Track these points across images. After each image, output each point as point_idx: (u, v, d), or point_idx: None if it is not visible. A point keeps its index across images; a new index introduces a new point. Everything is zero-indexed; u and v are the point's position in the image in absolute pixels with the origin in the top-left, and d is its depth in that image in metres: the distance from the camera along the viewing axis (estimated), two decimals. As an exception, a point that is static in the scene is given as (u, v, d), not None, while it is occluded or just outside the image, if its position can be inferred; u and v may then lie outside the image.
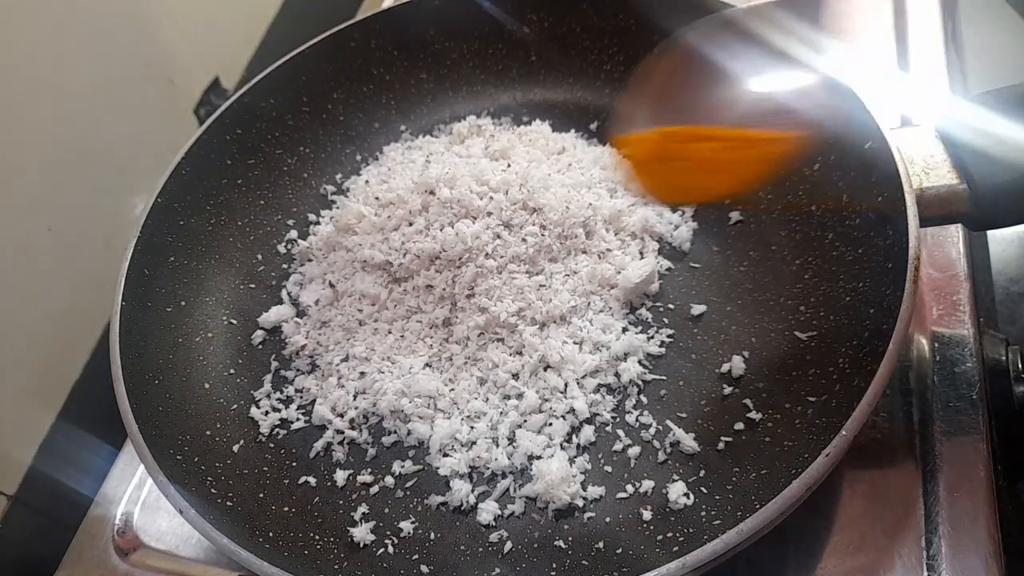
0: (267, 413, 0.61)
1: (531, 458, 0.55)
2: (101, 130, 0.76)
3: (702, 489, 0.51)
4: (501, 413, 0.57)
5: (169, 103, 0.85)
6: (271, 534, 0.52)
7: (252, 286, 0.69)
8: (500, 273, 0.61)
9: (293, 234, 0.73)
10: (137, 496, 0.64)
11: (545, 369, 0.59)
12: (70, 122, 0.73)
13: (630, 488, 0.53)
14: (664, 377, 0.58)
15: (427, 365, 0.60)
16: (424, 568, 0.51)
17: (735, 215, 0.65)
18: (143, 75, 0.81)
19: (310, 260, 0.70)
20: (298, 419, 0.61)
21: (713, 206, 0.67)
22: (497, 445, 0.56)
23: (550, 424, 0.56)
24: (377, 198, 0.68)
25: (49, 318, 0.71)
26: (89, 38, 0.74)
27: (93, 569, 0.62)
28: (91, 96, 0.75)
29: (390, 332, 0.63)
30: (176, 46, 0.85)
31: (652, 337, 0.60)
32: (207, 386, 0.62)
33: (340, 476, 0.57)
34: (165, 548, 0.61)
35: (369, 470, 0.57)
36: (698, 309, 0.61)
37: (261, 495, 0.56)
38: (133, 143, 0.79)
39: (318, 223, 0.73)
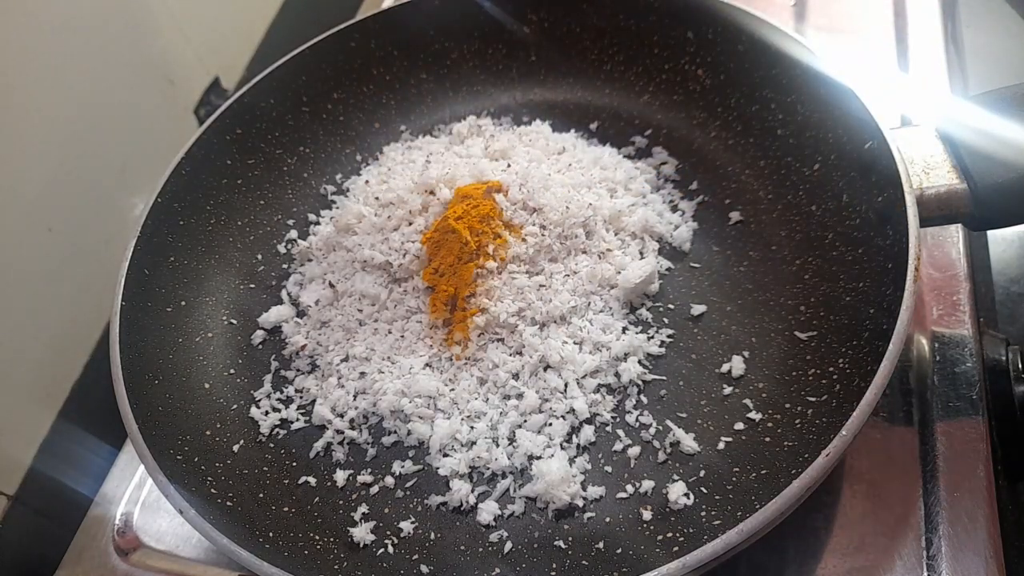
0: (267, 413, 0.61)
1: (531, 458, 0.55)
2: (101, 130, 0.76)
3: (702, 489, 0.51)
4: (501, 413, 0.57)
5: (169, 103, 0.85)
6: (271, 534, 0.52)
7: (252, 286, 0.69)
8: (500, 273, 0.61)
9: (293, 234, 0.73)
10: (137, 496, 0.64)
11: (545, 369, 0.59)
12: (70, 122, 0.73)
13: (630, 488, 0.53)
14: (664, 377, 0.58)
15: (427, 365, 0.60)
16: (424, 568, 0.51)
17: (735, 215, 0.65)
18: (143, 75, 0.81)
19: (310, 260, 0.70)
20: (298, 419, 0.61)
21: (713, 206, 0.67)
22: (497, 445, 0.56)
23: (550, 424, 0.56)
24: (377, 198, 0.68)
25: (49, 318, 0.71)
26: (89, 38, 0.74)
27: (93, 569, 0.62)
28: (91, 96, 0.75)
29: (390, 332, 0.62)
30: (176, 46, 0.85)
31: (652, 337, 0.60)
32: (207, 386, 0.62)
33: (340, 476, 0.57)
34: (165, 548, 0.61)
35: (369, 470, 0.57)
36: (698, 309, 0.61)
37: (261, 495, 0.56)
38: (133, 143, 0.80)
39: (318, 223, 0.73)
